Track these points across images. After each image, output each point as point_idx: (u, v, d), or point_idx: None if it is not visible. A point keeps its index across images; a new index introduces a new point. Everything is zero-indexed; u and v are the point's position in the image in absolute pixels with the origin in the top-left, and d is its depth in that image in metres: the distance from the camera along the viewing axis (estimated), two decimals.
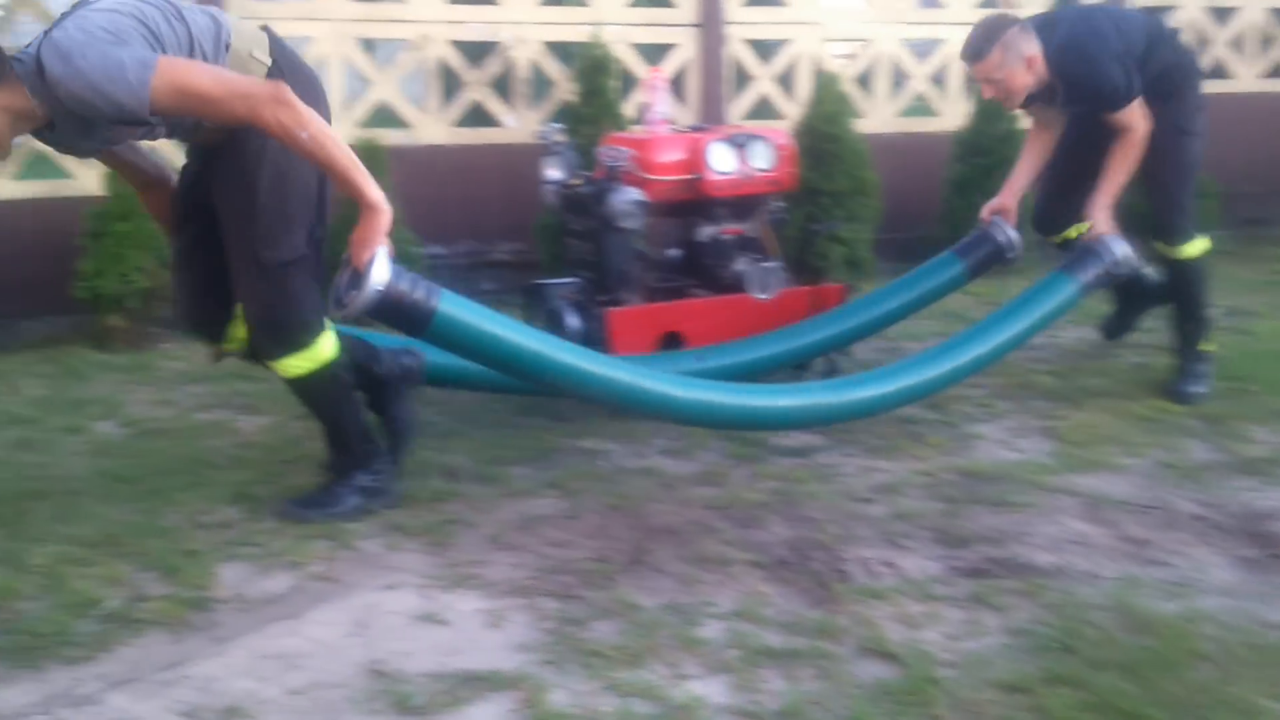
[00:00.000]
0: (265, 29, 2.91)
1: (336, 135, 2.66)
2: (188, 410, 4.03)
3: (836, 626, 2.47)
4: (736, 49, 5.98)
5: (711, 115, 5.74)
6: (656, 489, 3.26)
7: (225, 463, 3.47)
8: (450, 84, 5.61)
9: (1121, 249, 3.69)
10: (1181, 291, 3.97)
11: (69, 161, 5.13)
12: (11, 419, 3.90)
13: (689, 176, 3.94)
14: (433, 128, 5.54)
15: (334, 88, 5.40)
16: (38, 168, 5.27)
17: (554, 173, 4.06)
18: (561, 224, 4.18)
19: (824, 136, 5.35)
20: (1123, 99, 3.61)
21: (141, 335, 4.85)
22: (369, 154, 4.96)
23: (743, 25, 5.98)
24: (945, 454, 3.51)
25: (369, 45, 5.78)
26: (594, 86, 5.31)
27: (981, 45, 3.59)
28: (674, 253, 4.14)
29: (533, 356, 2.96)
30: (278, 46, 2.89)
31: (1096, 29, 3.66)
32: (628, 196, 3.78)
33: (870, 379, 3.49)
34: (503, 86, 5.67)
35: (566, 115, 5.36)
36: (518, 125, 5.62)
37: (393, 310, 2.81)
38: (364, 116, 5.47)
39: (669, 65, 5.72)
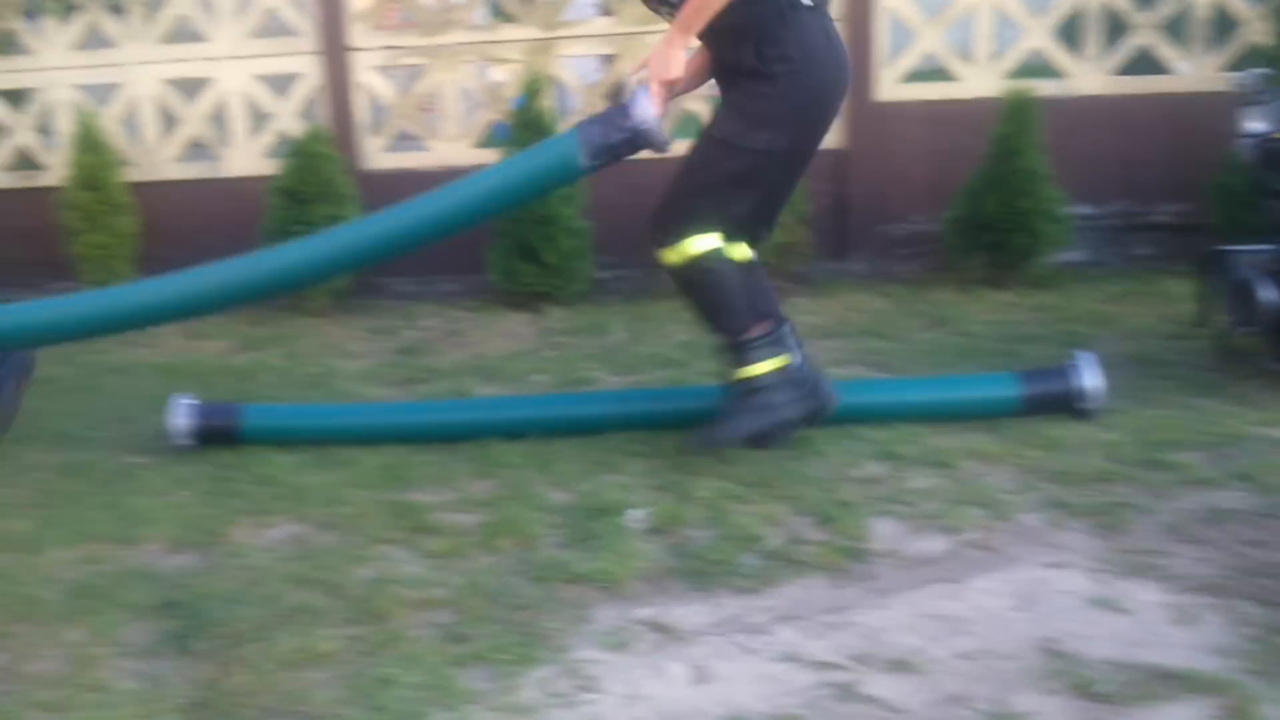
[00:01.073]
0: None
1: None
2: (823, 365, 4.22)
3: None
4: None
5: None
6: None
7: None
8: (1113, 28, 5.33)
9: (643, 111, 3.00)
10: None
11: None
12: (664, 361, 4.34)
13: None
14: (1090, 77, 5.31)
15: (982, 37, 5.37)
16: (689, 127, 5.80)
17: (1256, 124, 3.70)
18: (1253, 183, 3.81)
19: None
20: None
21: (775, 287, 5.14)
22: (1019, 107, 4.88)
23: None
24: None
25: None
26: None
27: None
28: None
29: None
30: None
31: None
32: None
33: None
34: (1176, 28, 5.28)
35: (1255, 59, 4.87)
36: (1192, 73, 5.21)
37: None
38: (1014, 67, 5.37)
39: None
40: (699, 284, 3.19)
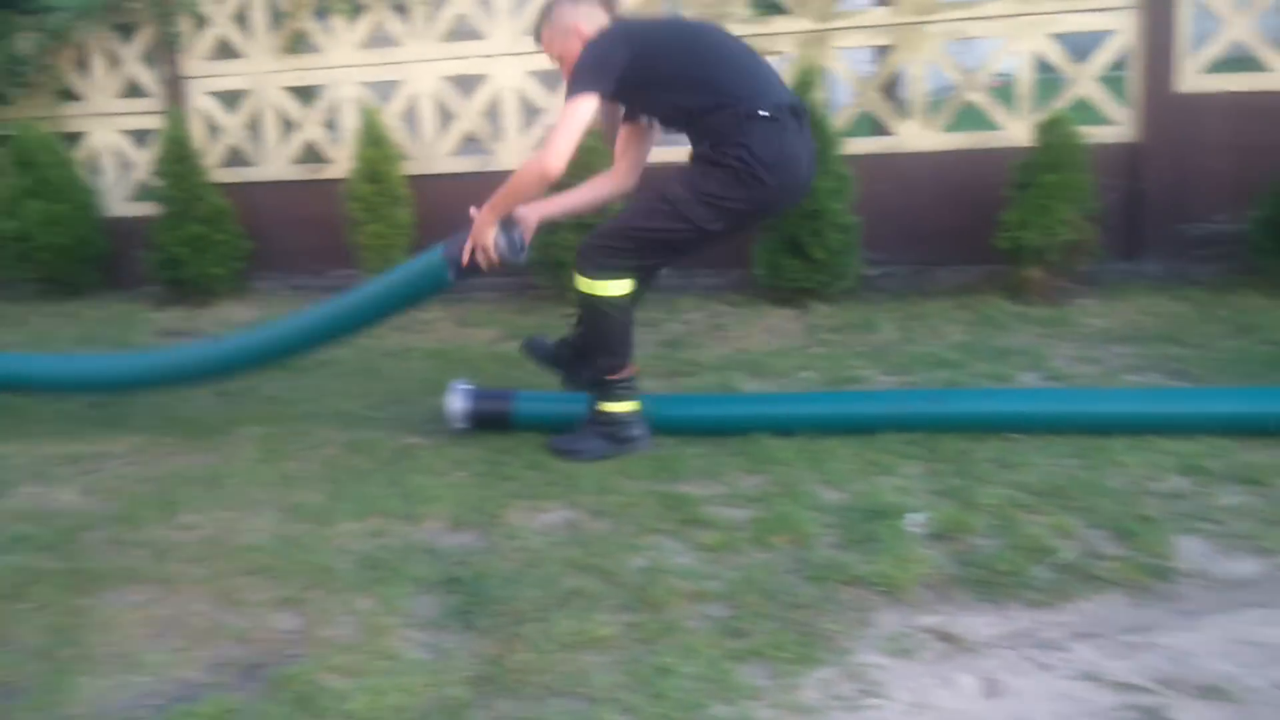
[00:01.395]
0: None
1: None
2: (1114, 370, 4.03)
3: None
4: None
5: None
6: None
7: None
8: None
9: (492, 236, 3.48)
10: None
11: (999, 113, 5.42)
12: (939, 362, 4.24)
13: None
14: None
15: None
16: (967, 119, 5.65)
17: None
18: None
19: None
20: (576, 85, 3.29)
21: (1057, 289, 4.97)
22: None
23: None
24: None
25: None
26: None
27: (538, 24, 3.56)
28: None
29: None
30: None
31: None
32: None
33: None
34: None
35: None
36: None
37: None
38: None
39: None
40: (598, 319, 3.51)
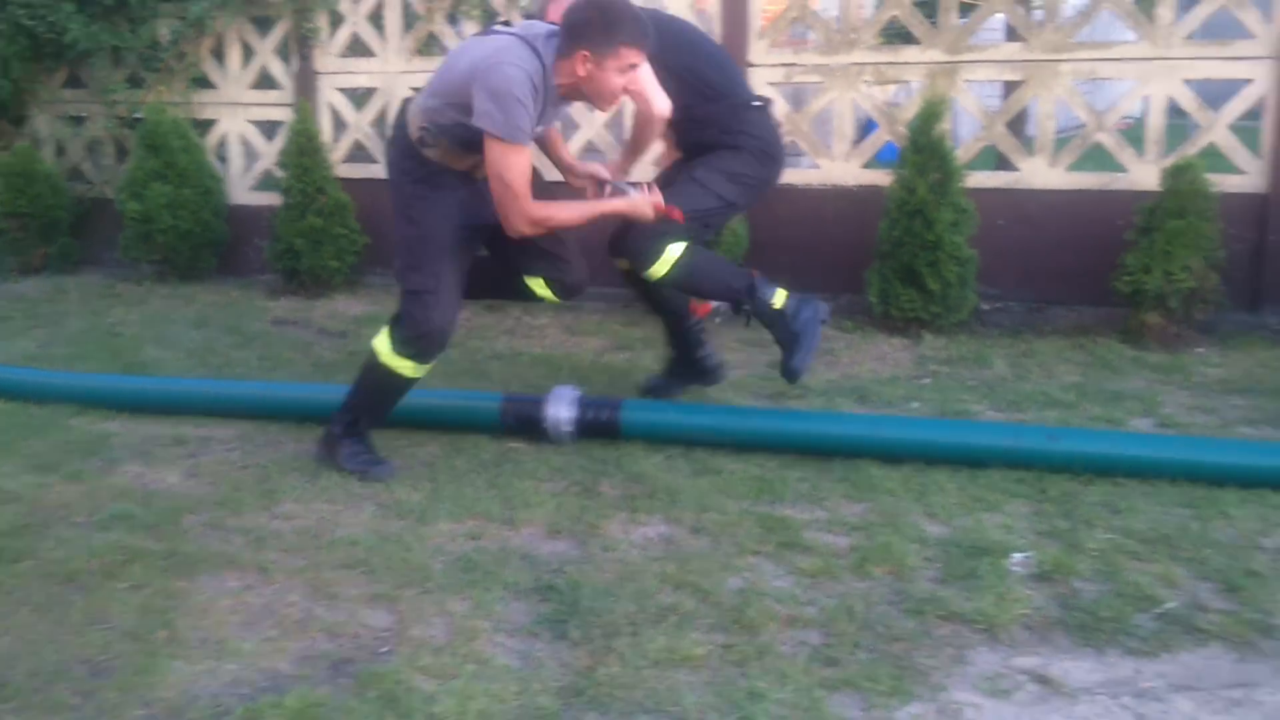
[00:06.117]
0: None
1: None
2: (1229, 421, 3.94)
3: None
4: None
5: None
6: None
7: None
8: None
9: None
10: None
11: (1126, 156, 5.32)
12: (1050, 401, 4.18)
13: None
14: None
15: None
16: (1093, 159, 5.56)
17: None
18: None
19: None
20: None
21: (1176, 336, 4.87)
22: None
23: None
24: None
25: None
26: None
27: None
28: None
29: None
30: None
31: None
32: None
33: None
34: None
35: None
36: None
37: None
38: None
39: None
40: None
